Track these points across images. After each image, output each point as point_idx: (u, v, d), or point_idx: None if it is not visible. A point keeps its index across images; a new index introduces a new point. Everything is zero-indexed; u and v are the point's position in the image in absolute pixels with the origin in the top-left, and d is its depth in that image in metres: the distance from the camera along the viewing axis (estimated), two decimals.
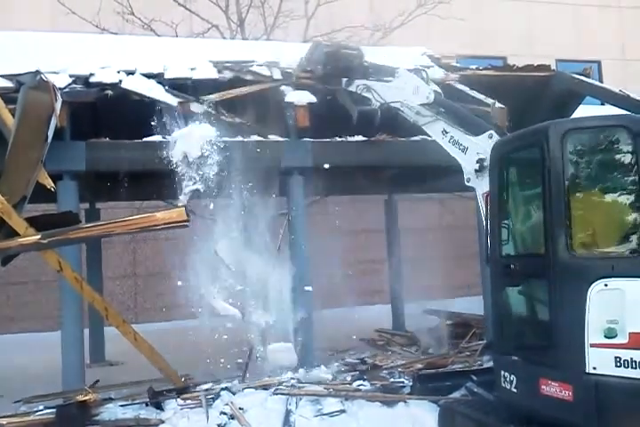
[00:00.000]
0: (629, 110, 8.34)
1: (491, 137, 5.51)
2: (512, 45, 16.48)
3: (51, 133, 6.60)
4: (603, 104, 12.41)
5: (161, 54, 8.42)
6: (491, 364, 6.69)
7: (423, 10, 13.42)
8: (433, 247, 16.15)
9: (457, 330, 9.62)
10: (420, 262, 15.32)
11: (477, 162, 5.51)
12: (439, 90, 6.87)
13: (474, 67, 9.67)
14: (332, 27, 12.35)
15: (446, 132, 6.11)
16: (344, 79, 7.73)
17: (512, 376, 4.70)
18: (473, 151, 5.67)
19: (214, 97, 7.62)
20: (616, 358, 4.04)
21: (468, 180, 5.72)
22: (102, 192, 9.29)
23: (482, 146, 5.54)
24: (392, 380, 6.53)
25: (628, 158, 4.28)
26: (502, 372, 4.82)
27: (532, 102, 9.66)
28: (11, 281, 13.72)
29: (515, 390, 4.65)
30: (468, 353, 8.27)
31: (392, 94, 6.96)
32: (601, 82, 11.11)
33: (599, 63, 16.98)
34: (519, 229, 4.92)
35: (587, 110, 9.86)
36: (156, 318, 13.81)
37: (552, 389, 4.29)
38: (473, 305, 11.06)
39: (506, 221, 4.92)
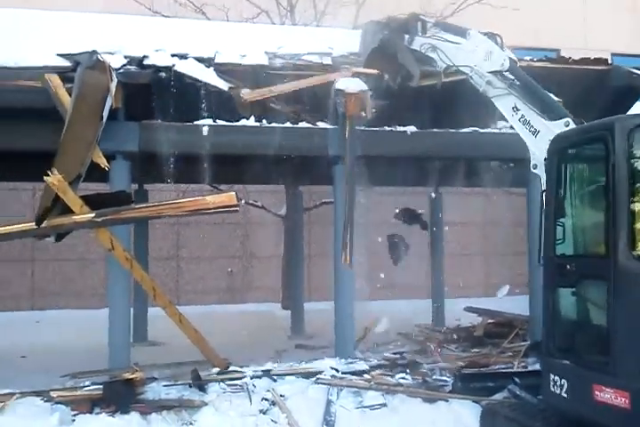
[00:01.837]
0: None
1: (567, 125, 5.08)
2: (566, 38, 15.97)
3: (106, 113, 6.66)
4: None
5: (212, 38, 8.41)
6: (536, 366, 6.57)
7: None
8: (476, 243, 15.95)
9: (498, 329, 9.43)
10: (463, 258, 15.18)
11: None
12: (515, 58, 6.23)
13: (528, 58, 9.32)
14: (383, 14, 12.09)
15: (517, 110, 5.60)
16: (406, 36, 7.13)
17: (563, 380, 4.54)
18: (545, 137, 5.21)
19: (280, 89, 7.48)
20: None
21: (535, 166, 5.31)
22: (150, 173, 9.37)
23: (556, 133, 5.10)
24: (434, 377, 6.43)
25: None
26: (552, 375, 4.67)
27: (586, 97, 9.28)
28: (58, 258, 14.09)
29: (565, 395, 4.50)
30: (510, 354, 8.08)
31: (461, 57, 6.32)
32: None
33: None
34: (577, 227, 4.73)
35: None
36: (196, 300, 13.98)
37: (607, 395, 4.13)
38: (516, 304, 10.88)
39: (562, 219, 4.73)
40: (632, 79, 8.71)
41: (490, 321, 9.66)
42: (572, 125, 5.05)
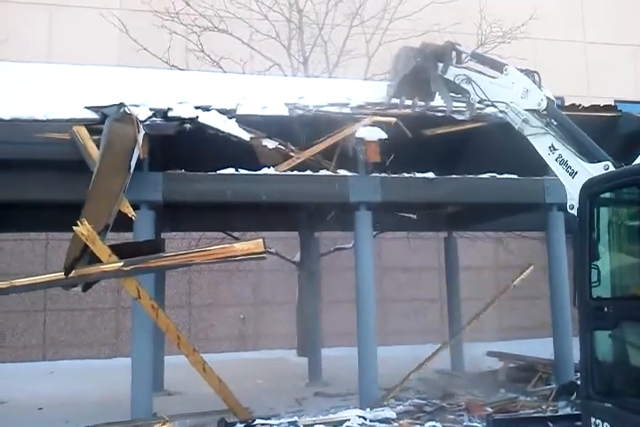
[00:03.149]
0: None
1: (607, 168, 5.04)
2: (570, 85, 16.40)
3: (133, 164, 6.84)
4: None
5: (232, 91, 8.67)
6: (566, 410, 6.49)
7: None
8: (490, 287, 15.90)
9: (520, 373, 9.32)
10: (478, 302, 15.11)
11: None
12: (552, 97, 6.13)
13: None
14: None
15: (554, 149, 5.54)
16: (439, 65, 7.05)
17: (605, 424, 4.50)
18: (583, 178, 5.13)
19: (310, 151, 7.76)
20: None
21: (572, 207, 5.20)
22: (171, 222, 9.50)
23: (594, 175, 5.07)
24: (465, 423, 6.33)
25: None
26: (593, 419, 4.62)
27: (597, 143, 9.55)
28: (69, 308, 14.03)
29: None
30: (536, 398, 7.97)
31: (497, 92, 6.20)
32: None
33: None
34: (613, 270, 4.78)
35: None
36: (208, 348, 13.82)
37: None
38: (532, 347, 10.78)
39: (597, 262, 4.78)
40: None
41: (511, 365, 9.54)
42: (612, 169, 5.01)
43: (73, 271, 6.39)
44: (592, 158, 5.29)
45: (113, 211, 6.60)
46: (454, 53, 7.09)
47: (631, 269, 4.61)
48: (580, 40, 17.17)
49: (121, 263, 6.32)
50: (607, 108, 9.68)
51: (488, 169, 8.21)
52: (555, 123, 5.67)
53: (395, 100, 8.02)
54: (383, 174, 7.86)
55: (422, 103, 7.91)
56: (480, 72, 6.62)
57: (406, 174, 8.00)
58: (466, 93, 6.73)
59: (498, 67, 6.36)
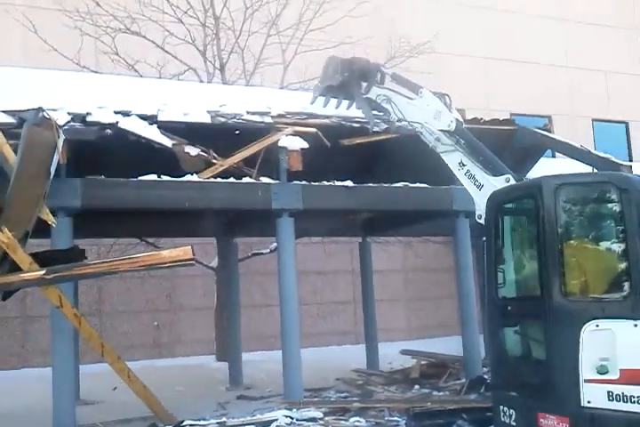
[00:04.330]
0: (591, 165, 9.05)
1: (508, 181, 5.67)
2: (470, 99, 17.51)
3: (53, 170, 6.71)
4: (554, 156, 13.33)
5: (152, 96, 8.65)
6: (478, 403, 7.03)
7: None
8: (400, 289, 16.65)
9: (432, 370, 9.90)
10: (389, 303, 15.79)
11: None
12: (461, 118, 6.81)
13: None
14: (307, 75, 12.90)
15: (463, 165, 6.13)
16: (363, 84, 7.56)
17: (511, 411, 5.01)
18: (488, 190, 5.70)
19: (233, 159, 7.95)
20: (609, 392, 4.41)
21: (479, 217, 5.79)
22: (87, 228, 9.27)
23: (498, 187, 5.67)
24: (386, 418, 6.71)
25: (615, 211, 4.74)
26: (501, 407, 5.12)
27: (496, 154, 10.29)
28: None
29: (514, 424, 4.96)
30: (447, 392, 8.54)
31: (413, 113, 6.76)
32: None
33: (550, 118, 18.19)
34: (515, 273, 5.32)
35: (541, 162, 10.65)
36: (122, 357, 13.50)
37: (550, 422, 4.63)
38: (442, 345, 11.47)
39: (502, 266, 5.30)
40: (537, 139, 9.72)
41: (423, 362, 10.11)
42: (512, 181, 5.67)
43: None
44: (495, 172, 5.95)
45: (33, 217, 6.44)
46: (379, 75, 7.59)
47: (528, 271, 5.16)
48: (480, 55, 18.34)
49: (43, 271, 6.19)
50: (506, 121, 10.50)
51: (401, 178, 8.70)
52: (463, 141, 6.30)
53: (319, 100, 8.37)
54: (304, 182, 8.13)
55: (347, 101, 8.20)
56: (398, 92, 7.16)
57: (326, 182, 8.33)
58: (386, 112, 7.25)
59: (414, 89, 6.92)
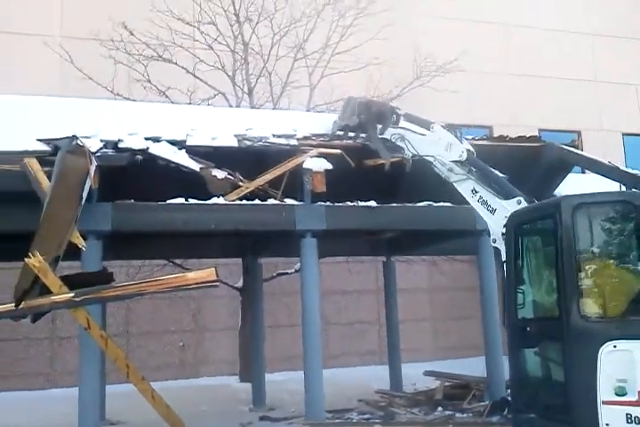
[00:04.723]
0: (619, 181, 8.97)
1: (519, 203, 5.81)
2: (497, 115, 17.54)
3: (85, 195, 6.96)
4: (583, 172, 13.23)
5: (181, 121, 8.92)
6: (500, 426, 6.98)
7: (420, 81, 14.35)
8: (425, 308, 16.57)
9: (456, 391, 9.81)
10: (414, 323, 15.72)
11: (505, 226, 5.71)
12: (472, 149, 7.08)
13: (470, 137, 10.27)
14: (333, 97, 13.14)
15: (476, 192, 6.35)
16: (378, 126, 8.01)
17: None
18: (501, 214, 5.90)
19: (259, 181, 8.19)
20: (627, 414, 4.40)
21: (494, 241, 5.93)
22: (117, 251, 9.54)
23: (510, 210, 5.81)
24: None
25: (632, 230, 4.79)
26: None
27: (522, 171, 10.26)
28: (2, 338, 13.59)
29: None
30: (470, 414, 8.47)
31: (426, 147, 7.13)
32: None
33: (579, 133, 18.10)
34: (534, 293, 5.34)
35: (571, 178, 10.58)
36: (148, 377, 13.70)
37: None
38: (466, 366, 11.36)
39: (521, 287, 5.33)
40: (564, 155, 9.68)
41: (447, 384, 10.04)
42: (524, 203, 5.78)
43: (23, 303, 6.40)
44: (507, 195, 6.07)
45: (64, 242, 6.67)
46: (394, 117, 7.98)
47: (547, 292, 5.18)
48: (507, 72, 18.40)
49: (72, 294, 6.38)
50: (532, 138, 10.47)
51: (424, 198, 8.77)
52: (474, 170, 6.54)
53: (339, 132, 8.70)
54: (328, 203, 8.27)
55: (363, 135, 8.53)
56: (410, 130, 7.55)
57: (350, 203, 8.45)
58: (401, 149, 7.65)
59: (426, 125, 7.34)
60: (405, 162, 7.71)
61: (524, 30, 18.82)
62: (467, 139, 10.03)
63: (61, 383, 13.42)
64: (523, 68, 18.52)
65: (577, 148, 10.33)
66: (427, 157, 7.07)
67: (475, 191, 6.37)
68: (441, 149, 6.84)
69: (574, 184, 9.92)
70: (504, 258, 5.66)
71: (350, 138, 8.69)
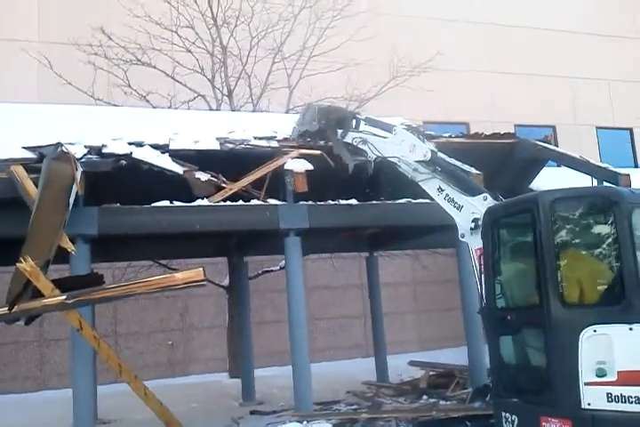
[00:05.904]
0: (589, 174, 9.31)
1: (485, 199, 6.03)
2: (474, 112, 17.86)
3: (72, 200, 7.09)
4: (559, 166, 13.60)
5: (163, 125, 9.08)
6: (481, 411, 7.27)
7: (396, 81, 14.59)
8: (409, 301, 16.90)
9: (440, 380, 10.12)
10: (398, 316, 16.03)
11: (473, 221, 6.00)
12: (435, 149, 7.24)
13: (447, 135, 10.54)
14: (312, 97, 13.33)
15: (442, 190, 6.53)
16: (339, 131, 8.15)
17: (513, 417, 5.25)
18: (468, 210, 6.12)
19: (241, 183, 8.34)
20: (608, 394, 4.65)
21: (462, 236, 6.16)
22: (97, 253, 9.63)
23: (477, 206, 6.04)
24: None
25: (608, 223, 5.01)
26: (503, 413, 5.37)
27: (498, 167, 10.56)
28: None
29: None
30: (454, 402, 8.77)
31: (389, 149, 7.27)
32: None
33: (554, 128, 18.51)
34: (513, 283, 5.59)
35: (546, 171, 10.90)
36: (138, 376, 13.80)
37: (552, 425, 4.87)
38: (450, 356, 11.68)
39: (499, 277, 5.58)
40: (537, 150, 9.99)
41: (431, 373, 10.33)
42: (490, 199, 6.03)
43: (16, 306, 6.53)
44: (473, 192, 6.29)
45: (53, 246, 6.80)
46: (354, 121, 8.15)
47: (525, 282, 5.44)
48: (482, 70, 18.73)
49: (64, 297, 6.52)
50: (506, 135, 10.76)
51: (405, 195, 9.01)
52: (439, 169, 6.70)
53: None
54: (310, 202, 8.47)
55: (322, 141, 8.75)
56: (372, 133, 7.69)
57: (331, 202, 8.65)
58: (363, 153, 7.79)
59: (388, 128, 7.51)
60: (368, 164, 7.88)
61: (498, 28, 19.20)
62: (444, 136, 10.39)
63: (50, 385, 13.51)
64: (497, 65, 18.87)
65: (550, 143, 10.61)
66: (391, 159, 7.24)
67: (441, 189, 6.54)
68: (405, 151, 7.00)
69: (549, 177, 10.26)
70: (472, 252, 5.92)
71: (309, 142, 8.85)
